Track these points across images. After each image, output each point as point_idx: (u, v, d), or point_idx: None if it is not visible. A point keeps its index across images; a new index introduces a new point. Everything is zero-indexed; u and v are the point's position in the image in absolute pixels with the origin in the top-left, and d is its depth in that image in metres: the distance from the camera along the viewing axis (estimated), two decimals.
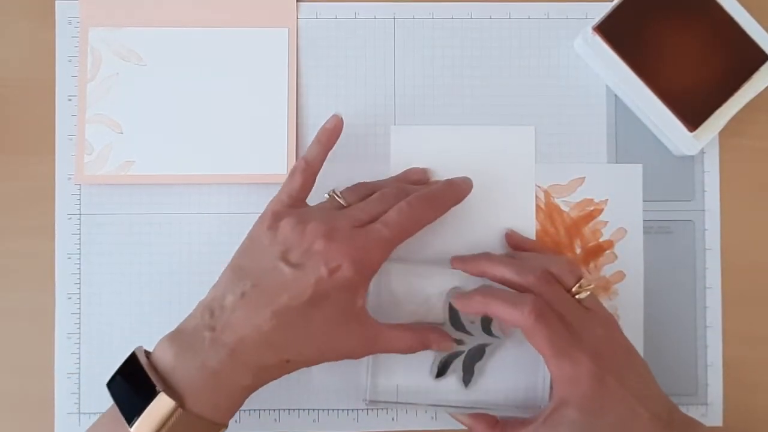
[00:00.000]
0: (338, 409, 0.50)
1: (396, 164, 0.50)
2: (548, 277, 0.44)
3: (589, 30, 0.48)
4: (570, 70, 0.51)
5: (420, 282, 0.49)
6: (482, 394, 0.49)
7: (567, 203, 0.51)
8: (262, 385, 0.42)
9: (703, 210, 0.51)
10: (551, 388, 0.44)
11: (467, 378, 0.49)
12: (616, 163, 0.51)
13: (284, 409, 0.50)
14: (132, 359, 0.41)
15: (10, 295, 0.50)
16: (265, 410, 0.50)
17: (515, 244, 0.50)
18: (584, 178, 0.51)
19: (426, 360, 0.49)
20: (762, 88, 0.48)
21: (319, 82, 0.51)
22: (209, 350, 0.40)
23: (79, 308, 0.50)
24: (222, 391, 0.40)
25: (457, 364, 0.49)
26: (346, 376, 0.50)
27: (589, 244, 0.51)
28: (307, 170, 0.45)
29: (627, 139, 0.51)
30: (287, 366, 0.42)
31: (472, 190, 0.47)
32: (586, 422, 0.41)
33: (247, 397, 0.42)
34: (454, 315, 0.48)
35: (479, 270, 0.46)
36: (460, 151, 0.50)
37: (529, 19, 0.52)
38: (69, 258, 0.50)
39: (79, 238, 0.50)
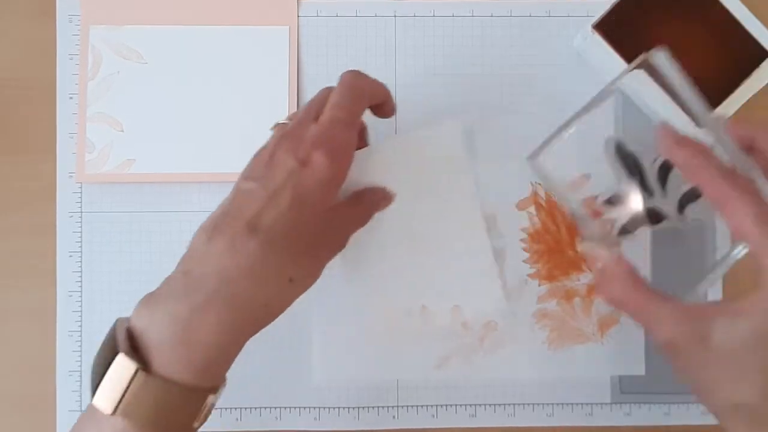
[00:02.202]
0: (339, 407, 0.50)
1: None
2: None
3: (589, 28, 0.48)
4: (571, 67, 0.51)
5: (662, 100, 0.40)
6: None
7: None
8: (256, 330, 0.38)
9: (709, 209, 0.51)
10: None
11: (623, 231, 0.40)
12: None
13: (285, 407, 0.50)
14: (111, 329, 0.36)
15: (11, 293, 0.50)
16: (266, 408, 0.50)
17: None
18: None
19: (602, 180, 0.41)
20: (762, 84, 0.48)
21: (320, 81, 0.51)
22: (182, 297, 0.35)
23: (81, 306, 0.50)
24: (197, 343, 0.35)
25: (627, 212, 0.40)
26: (346, 375, 0.50)
27: None
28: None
29: (627, 137, 0.51)
30: (291, 287, 0.38)
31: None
32: (754, 339, 0.33)
33: (235, 350, 0.37)
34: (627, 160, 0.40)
35: (749, 134, 0.37)
36: (395, 162, 0.48)
37: (530, 16, 0.52)
38: (70, 256, 0.50)
39: (81, 236, 0.50)
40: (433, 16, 0.51)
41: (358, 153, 0.45)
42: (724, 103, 0.47)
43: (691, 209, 0.39)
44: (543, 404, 0.50)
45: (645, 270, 0.50)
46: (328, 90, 0.42)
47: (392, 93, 0.44)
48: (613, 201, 0.40)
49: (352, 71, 0.41)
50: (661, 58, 0.38)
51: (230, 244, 0.36)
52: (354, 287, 0.49)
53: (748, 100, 0.48)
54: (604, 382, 0.50)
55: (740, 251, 0.36)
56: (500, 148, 0.51)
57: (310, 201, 0.38)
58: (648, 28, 0.48)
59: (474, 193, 0.50)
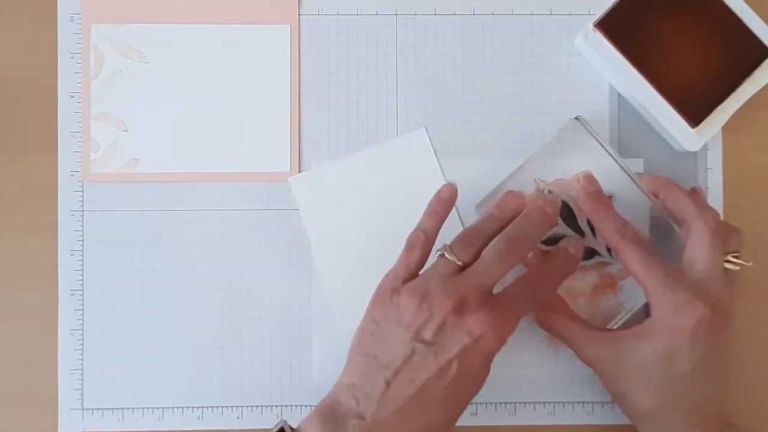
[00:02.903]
0: None
1: (308, 215, 0.50)
2: (722, 229, 0.44)
3: (590, 27, 0.48)
4: (572, 66, 0.51)
5: (586, 158, 0.48)
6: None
7: (572, 199, 0.50)
8: None
9: None
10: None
11: None
12: None
13: (286, 406, 0.50)
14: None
15: (13, 291, 0.50)
16: (267, 406, 0.50)
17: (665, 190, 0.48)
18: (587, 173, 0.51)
19: None
20: (764, 83, 0.48)
21: (321, 79, 0.51)
22: None
23: (82, 304, 0.50)
24: None
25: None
26: None
27: None
28: (427, 243, 0.44)
29: (630, 136, 0.51)
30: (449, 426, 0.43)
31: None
32: (658, 358, 0.42)
33: None
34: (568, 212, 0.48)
35: (654, 188, 0.46)
36: (367, 176, 0.51)
37: (531, 15, 0.52)
38: (72, 254, 0.50)
39: (82, 235, 0.50)
40: (435, 14, 0.51)
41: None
42: (726, 102, 0.47)
43: None
44: (544, 402, 0.50)
45: None
46: (495, 222, 0.44)
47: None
48: (550, 242, 0.47)
49: (551, 261, 0.45)
50: (583, 121, 0.47)
51: (404, 411, 0.40)
52: (351, 289, 0.50)
53: (751, 99, 0.48)
54: None
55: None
56: (502, 145, 0.51)
57: (472, 372, 0.41)
58: (649, 26, 0.48)
59: None
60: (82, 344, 0.50)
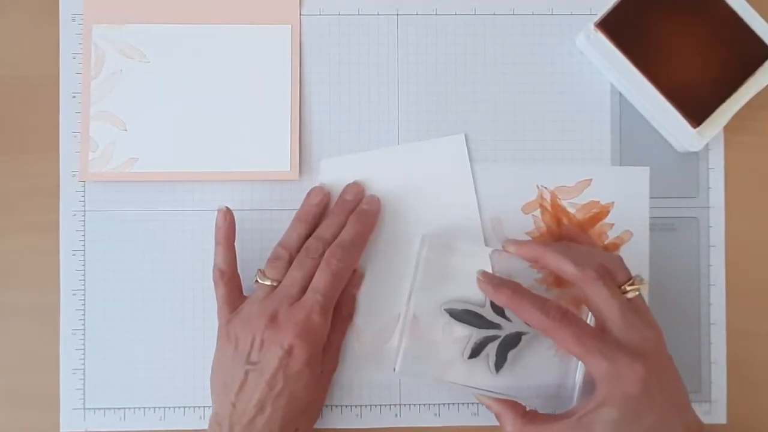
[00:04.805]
0: (341, 405, 0.50)
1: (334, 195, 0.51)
2: (606, 271, 0.43)
3: (591, 26, 0.48)
4: (574, 66, 0.51)
5: (460, 260, 0.48)
6: (512, 381, 0.48)
7: (573, 205, 0.51)
8: None
9: (708, 207, 0.51)
10: (583, 386, 0.45)
11: (499, 363, 0.48)
12: (620, 159, 0.51)
13: None
14: None
15: (15, 291, 0.50)
16: None
17: (567, 235, 0.50)
18: (591, 180, 0.51)
19: (461, 339, 0.48)
20: (766, 83, 0.48)
21: (322, 79, 0.51)
22: None
23: (84, 304, 0.50)
24: None
25: (491, 348, 0.48)
26: (349, 373, 0.50)
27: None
28: (224, 276, 0.47)
29: (631, 135, 0.51)
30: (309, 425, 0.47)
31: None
32: (624, 424, 0.41)
33: None
34: None
35: (533, 256, 0.46)
36: (395, 171, 0.51)
37: (532, 14, 0.51)
38: (73, 254, 0.50)
39: (84, 235, 0.50)
40: (436, 14, 0.51)
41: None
42: (728, 101, 0.47)
43: None
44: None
45: (644, 268, 0.50)
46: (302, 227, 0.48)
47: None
48: (475, 352, 0.48)
49: (342, 249, 0.47)
50: (429, 236, 0.49)
51: (246, 425, 0.44)
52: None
53: (753, 99, 0.48)
54: None
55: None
56: (504, 150, 0.51)
57: (301, 379, 0.45)
58: (651, 26, 0.48)
59: (475, 203, 0.50)
60: (84, 344, 0.50)
